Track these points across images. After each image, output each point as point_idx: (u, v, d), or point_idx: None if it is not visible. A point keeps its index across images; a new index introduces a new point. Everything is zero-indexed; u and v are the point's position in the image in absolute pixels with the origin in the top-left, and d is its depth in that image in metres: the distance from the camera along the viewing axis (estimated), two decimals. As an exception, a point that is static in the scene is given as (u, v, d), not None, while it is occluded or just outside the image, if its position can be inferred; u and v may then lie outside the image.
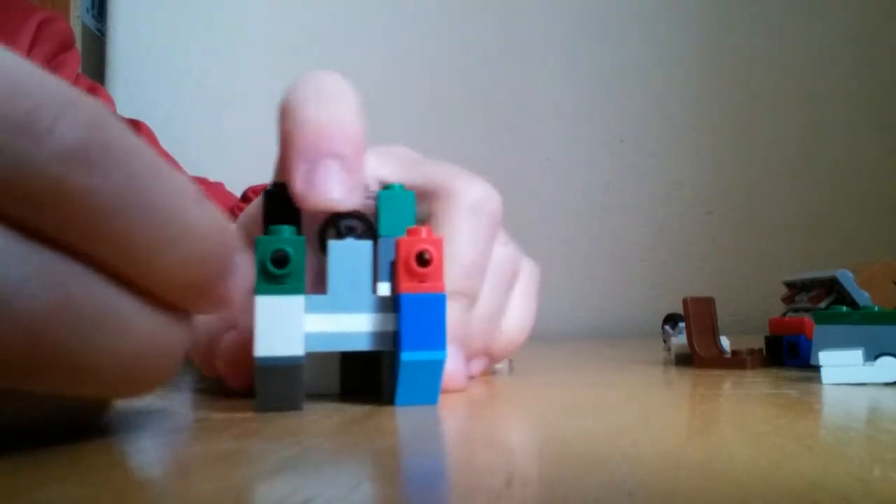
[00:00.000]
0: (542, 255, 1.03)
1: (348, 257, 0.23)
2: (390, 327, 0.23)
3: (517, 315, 0.31)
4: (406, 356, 0.22)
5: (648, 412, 0.22)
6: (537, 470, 0.14)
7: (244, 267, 0.17)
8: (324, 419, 0.21)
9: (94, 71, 0.88)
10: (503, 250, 0.29)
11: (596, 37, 0.92)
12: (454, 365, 0.25)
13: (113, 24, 0.91)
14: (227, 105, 0.90)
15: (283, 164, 0.24)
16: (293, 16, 0.93)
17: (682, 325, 0.45)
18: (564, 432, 0.18)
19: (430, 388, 0.23)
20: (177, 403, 0.25)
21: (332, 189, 0.23)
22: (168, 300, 0.16)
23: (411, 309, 0.22)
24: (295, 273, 0.21)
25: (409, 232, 0.23)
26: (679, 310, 0.40)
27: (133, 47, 0.91)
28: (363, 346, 0.23)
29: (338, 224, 0.25)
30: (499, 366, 0.37)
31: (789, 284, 0.42)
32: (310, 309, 0.22)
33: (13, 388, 0.14)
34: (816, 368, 0.29)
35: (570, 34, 0.92)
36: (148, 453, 0.16)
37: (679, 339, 0.39)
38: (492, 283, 0.28)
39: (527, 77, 0.92)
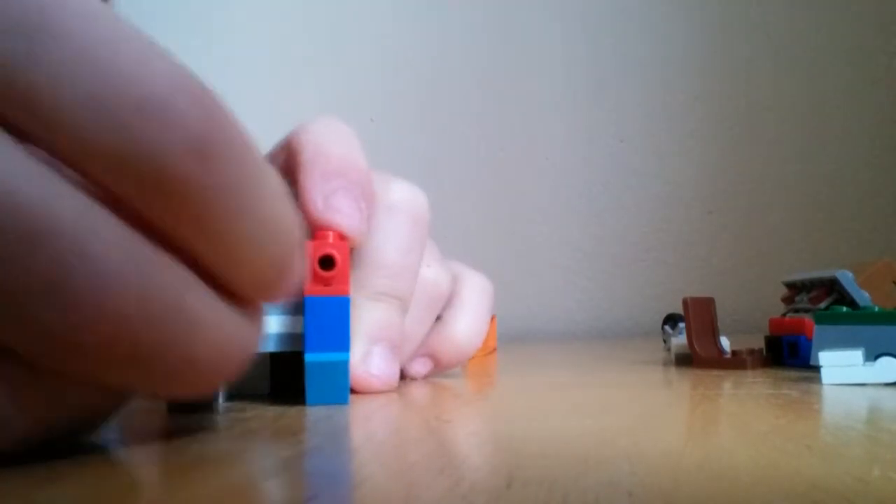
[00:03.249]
0: (542, 254, 1.03)
1: None
2: (299, 329, 0.23)
3: (466, 326, 0.31)
4: (310, 357, 0.23)
5: (648, 412, 0.22)
6: (537, 470, 0.14)
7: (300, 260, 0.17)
8: (325, 419, 0.21)
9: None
10: (424, 271, 0.29)
11: (596, 36, 0.92)
12: (381, 366, 0.26)
13: (113, 24, 0.91)
14: (227, 105, 0.89)
15: (301, 188, 0.25)
16: (292, 16, 0.93)
17: (682, 325, 0.45)
18: (564, 432, 0.18)
19: (337, 388, 0.23)
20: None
21: (350, 212, 0.24)
22: (247, 295, 0.16)
23: (315, 311, 0.23)
24: None
25: (316, 236, 0.23)
26: (679, 310, 0.40)
27: (133, 47, 0.91)
28: (273, 347, 0.23)
29: None
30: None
31: (789, 284, 0.42)
32: None
33: (69, 374, 0.14)
34: (816, 368, 0.28)
35: (569, 34, 0.92)
36: (147, 453, 0.16)
37: (679, 339, 0.39)
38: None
39: (526, 77, 0.92)
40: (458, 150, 0.91)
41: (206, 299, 0.15)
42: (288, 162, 0.26)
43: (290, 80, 0.91)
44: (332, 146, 0.26)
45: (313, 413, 0.22)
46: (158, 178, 0.13)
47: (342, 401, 0.23)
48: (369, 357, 0.26)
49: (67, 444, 0.17)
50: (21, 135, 0.13)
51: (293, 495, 0.12)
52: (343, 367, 0.23)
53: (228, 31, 0.92)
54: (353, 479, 0.14)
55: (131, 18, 0.15)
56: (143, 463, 0.16)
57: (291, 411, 0.22)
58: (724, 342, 0.38)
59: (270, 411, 0.22)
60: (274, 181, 0.16)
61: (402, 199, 0.28)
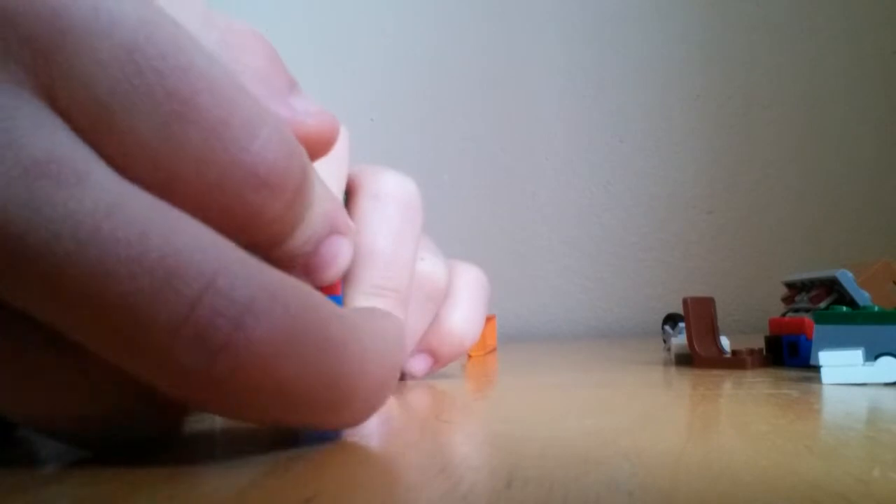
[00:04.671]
0: (542, 255, 1.03)
1: None
2: None
3: (462, 318, 0.31)
4: None
5: (648, 412, 0.22)
6: (537, 470, 0.14)
7: None
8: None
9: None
10: (419, 265, 0.28)
11: (596, 36, 0.92)
12: None
13: (113, 24, 0.91)
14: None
15: None
16: (292, 15, 0.93)
17: (682, 325, 0.45)
18: (564, 432, 0.18)
19: None
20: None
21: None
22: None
23: None
24: None
25: None
26: (679, 310, 0.40)
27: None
28: None
29: None
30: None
31: (789, 284, 0.42)
32: None
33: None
34: (816, 368, 0.28)
35: (569, 33, 0.92)
36: (147, 454, 0.16)
37: (679, 339, 0.39)
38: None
39: (526, 76, 0.92)
40: (458, 150, 0.91)
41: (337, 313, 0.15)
42: None
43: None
44: None
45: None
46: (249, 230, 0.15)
47: None
48: None
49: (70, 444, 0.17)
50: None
51: (293, 495, 0.12)
52: None
53: (228, 31, 0.92)
54: (352, 479, 0.14)
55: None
56: (143, 463, 0.16)
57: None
58: (724, 342, 0.38)
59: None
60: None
61: (391, 187, 0.28)
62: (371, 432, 0.19)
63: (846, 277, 0.36)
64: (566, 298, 0.89)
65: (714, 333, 0.38)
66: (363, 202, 0.27)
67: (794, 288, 0.41)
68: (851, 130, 0.90)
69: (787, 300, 0.41)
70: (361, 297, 0.26)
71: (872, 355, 0.28)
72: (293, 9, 0.93)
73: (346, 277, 0.26)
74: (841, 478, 0.13)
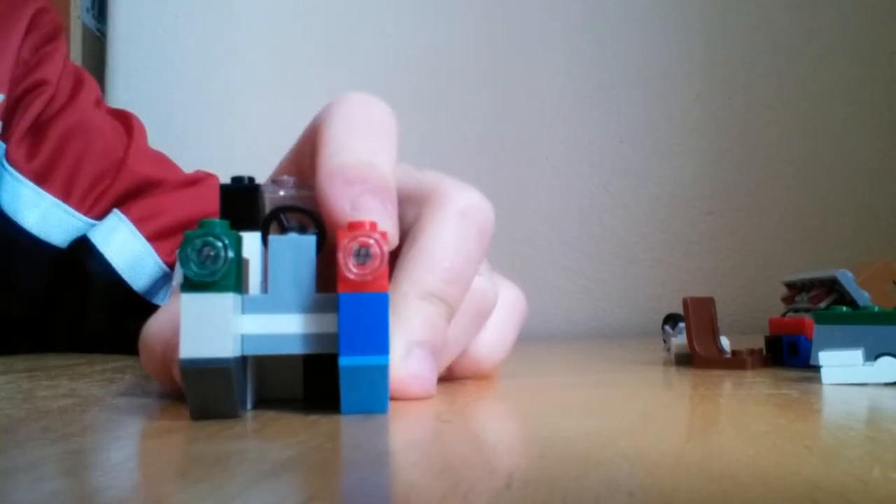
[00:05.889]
0: (542, 255, 1.02)
1: (290, 253, 0.21)
2: (332, 329, 0.21)
3: (488, 341, 0.30)
4: (345, 361, 0.20)
5: (648, 412, 0.22)
6: (537, 470, 0.14)
7: None
8: (325, 420, 0.21)
9: (94, 71, 0.88)
10: (477, 280, 0.28)
11: (596, 36, 0.92)
12: (421, 369, 0.24)
13: (113, 24, 0.91)
14: (227, 103, 0.90)
15: (323, 193, 0.24)
16: (292, 14, 0.93)
17: (682, 325, 0.45)
18: (564, 432, 0.18)
19: (375, 395, 0.21)
20: (176, 403, 0.25)
21: (380, 212, 0.23)
22: None
23: (350, 310, 0.20)
24: (225, 270, 0.19)
25: (351, 226, 0.21)
26: (679, 310, 0.40)
27: (133, 47, 0.91)
28: (304, 348, 0.21)
29: (280, 217, 0.23)
30: None
31: (789, 284, 0.42)
32: (248, 309, 0.21)
33: None
34: (816, 368, 0.28)
35: (570, 34, 0.92)
36: (147, 453, 0.16)
37: (679, 339, 0.39)
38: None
39: (526, 77, 0.92)
40: (459, 150, 0.91)
41: None
42: (312, 154, 0.25)
43: (291, 80, 0.90)
44: (354, 147, 0.25)
45: (314, 413, 0.22)
46: None
47: (380, 409, 0.21)
48: (409, 358, 0.24)
49: (68, 442, 0.17)
50: None
51: (293, 495, 0.12)
52: (382, 371, 0.21)
53: (229, 30, 0.92)
54: (352, 479, 0.14)
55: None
56: (143, 463, 0.16)
57: (292, 411, 0.22)
58: (724, 342, 0.38)
59: (271, 411, 0.22)
60: None
61: (474, 207, 0.27)
62: (371, 432, 0.19)
63: (846, 277, 0.36)
64: (566, 298, 0.89)
65: (714, 333, 0.38)
66: (444, 212, 0.26)
67: (794, 288, 0.41)
68: (851, 130, 0.90)
69: (787, 300, 0.41)
70: (413, 297, 0.25)
71: (872, 355, 0.28)
72: (293, 9, 0.93)
73: (402, 274, 0.25)
74: (841, 478, 0.13)
